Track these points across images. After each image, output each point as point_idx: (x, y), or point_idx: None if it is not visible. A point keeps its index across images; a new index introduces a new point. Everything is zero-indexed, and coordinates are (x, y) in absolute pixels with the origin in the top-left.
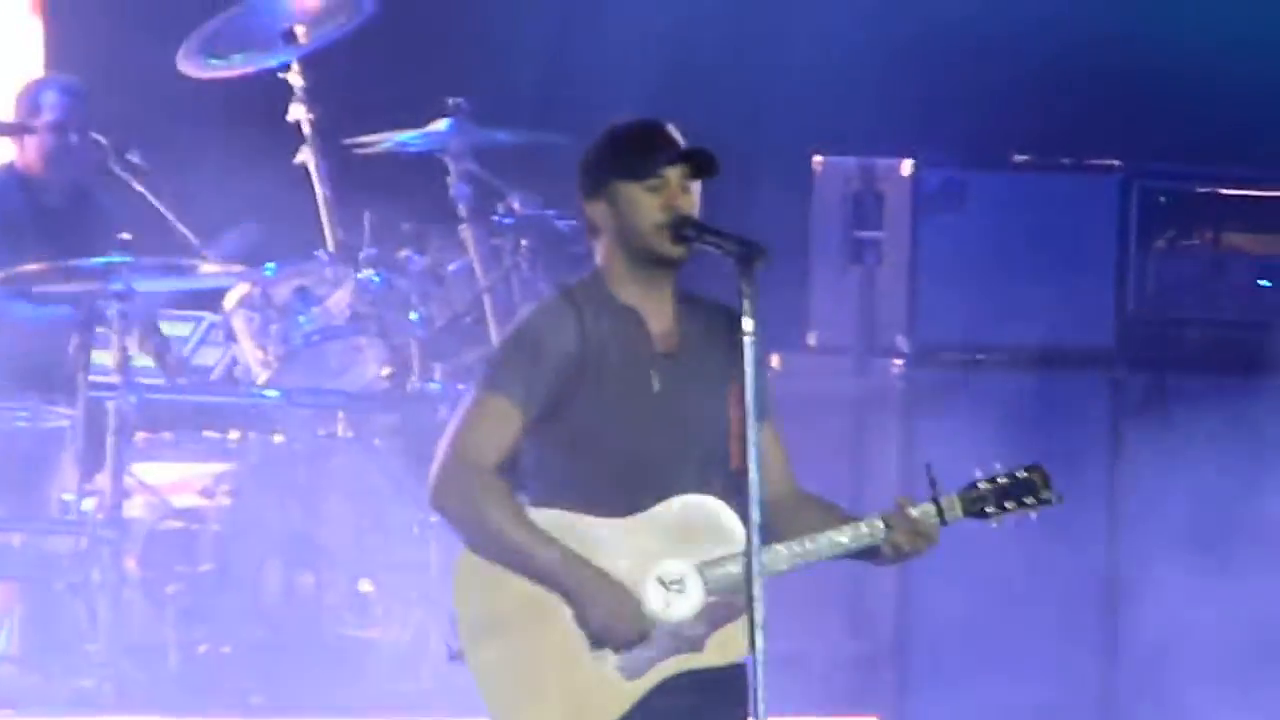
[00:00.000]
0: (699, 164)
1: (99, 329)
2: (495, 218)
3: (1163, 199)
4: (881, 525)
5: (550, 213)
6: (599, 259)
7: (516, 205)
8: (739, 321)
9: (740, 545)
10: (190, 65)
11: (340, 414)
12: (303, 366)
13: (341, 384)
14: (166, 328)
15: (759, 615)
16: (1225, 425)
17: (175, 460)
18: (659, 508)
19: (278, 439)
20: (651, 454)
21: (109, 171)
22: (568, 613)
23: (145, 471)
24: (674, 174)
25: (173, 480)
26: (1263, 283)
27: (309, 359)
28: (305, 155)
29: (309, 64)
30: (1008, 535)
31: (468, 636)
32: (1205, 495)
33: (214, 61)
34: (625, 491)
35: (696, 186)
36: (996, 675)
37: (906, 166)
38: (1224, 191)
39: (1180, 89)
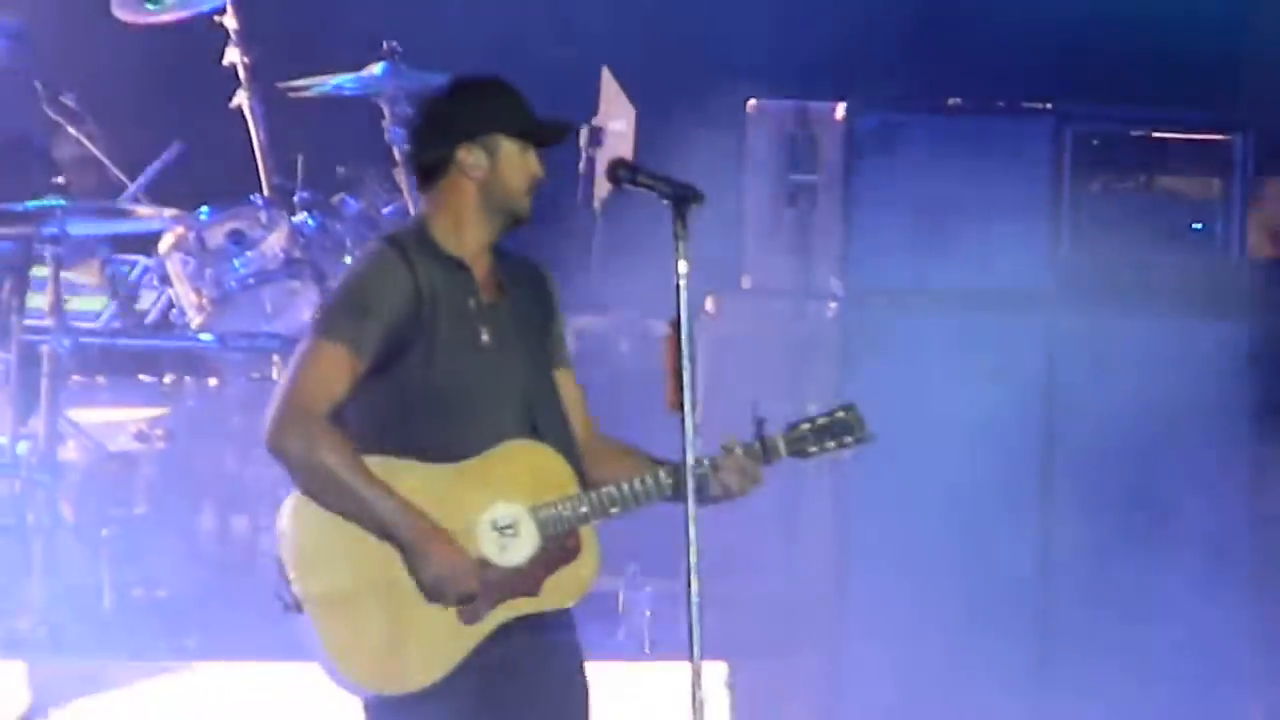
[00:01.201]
0: (561, 136)
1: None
2: None
3: (1096, 142)
4: (709, 466)
5: None
6: (430, 207)
7: None
8: (541, 274)
9: (572, 489)
10: (126, 10)
11: (275, 357)
12: (237, 310)
13: (276, 327)
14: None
15: (693, 558)
16: (1155, 367)
17: (110, 404)
18: (489, 452)
19: (212, 383)
20: (481, 402)
21: (44, 115)
22: (403, 556)
23: (80, 415)
24: (547, 140)
25: (107, 423)
26: (1196, 225)
27: (243, 302)
28: (241, 99)
29: (244, 7)
30: (940, 468)
31: (299, 576)
32: (1137, 436)
33: (150, 6)
34: (456, 439)
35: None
36: (935, 613)
37: (840, 109)
38: (1157, 135)
39: (1113, 31)
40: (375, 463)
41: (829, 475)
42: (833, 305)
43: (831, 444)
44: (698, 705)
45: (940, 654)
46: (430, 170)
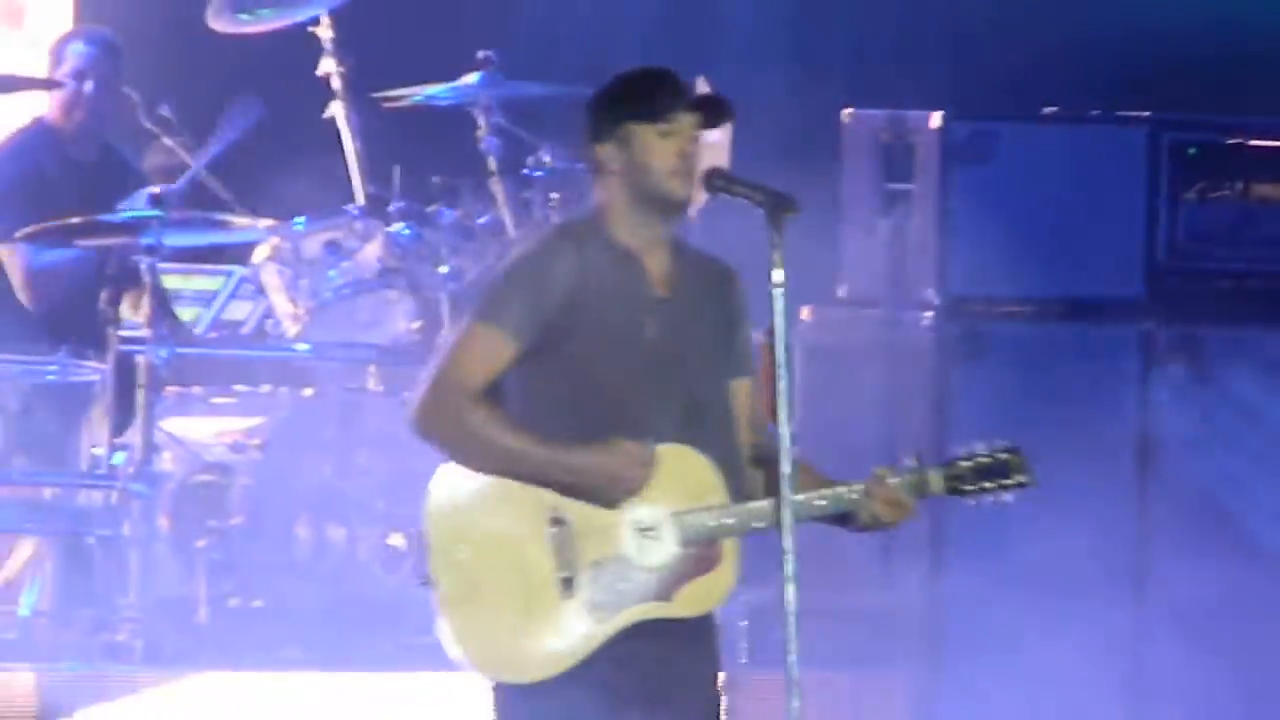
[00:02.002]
0: (714, 111)
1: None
2: (525, 171)
3: (1192, 150)
4: (861, 493)
5: (580, 165)
6: (599, 199)
7: (546, 158)
8: (729, 275)
9: (719, 499)
10: (220, 21)
11: (370, 368)
12: (333, 320)
13: (371, 338)
14: (198, 282)
15: (790, 568)
16: (1256, 377)
17: (206, 414)
18: None
19: (308, 393)
20: (639, 397)
21: (140, 126)
22: (540, 547)
23: (176, 425)
24: (687, 120)
25: (203, 434)
26: None
27: (339, 313)
28: (335, 109)
29: (338, 17)
30: (1038, 491)
31: (438, 564)
32: (1236, 447)
33: (244, 16)
34: (609, 432)
35: (706, 137)
36: (1029, 633)
37: (936, 118)
38: (1253, 142)
39: (1209, 40)
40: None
41: None
42: (928, 315)
43: (990, 485)
44: (792, 714)
45: (1035, 670)
46: (595, 168)
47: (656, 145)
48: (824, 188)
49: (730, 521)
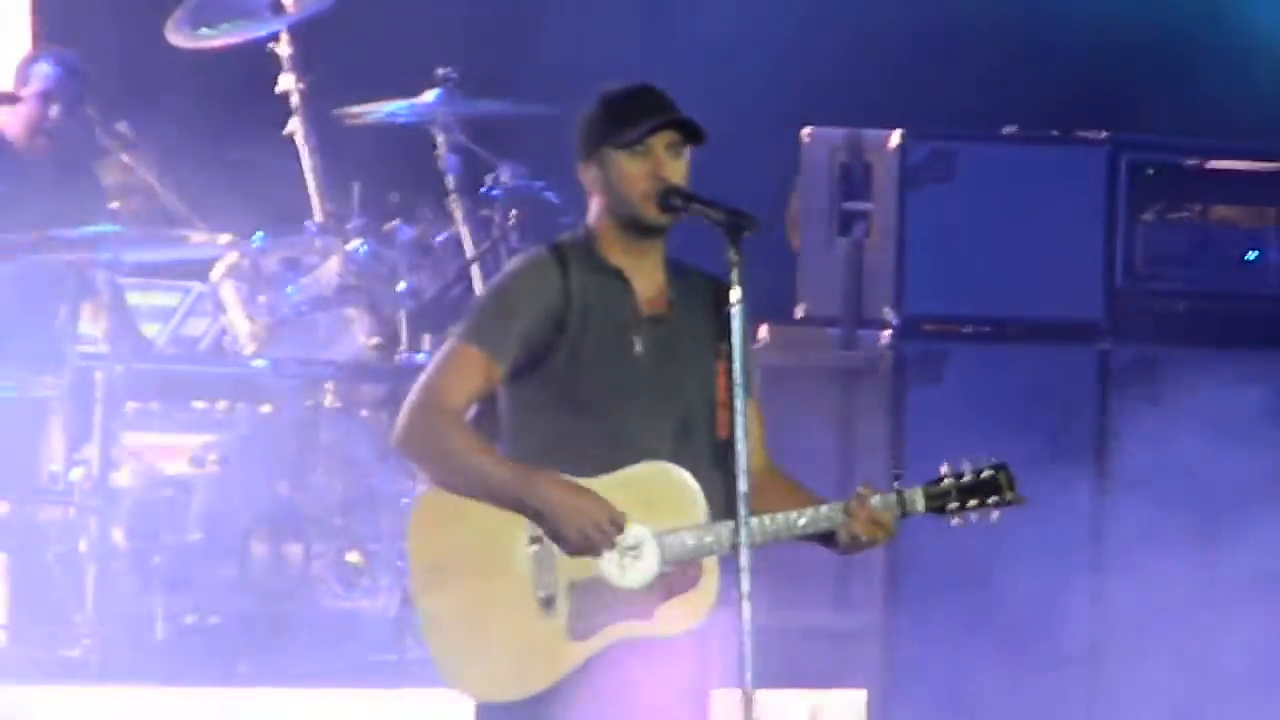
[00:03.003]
0: (683, 131)
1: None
2: (484, 189)
3: (1151, 171)
4: (841, 512)
5: (539, 184)
6: (589, 219)
7: (505, 176)
8: (727, 292)
9: (701, 518)
10: (179, 35)
11: (328, 385)
12: (291, 337)
13: (329, 354)
14: (156, 298)
15: (746, 586)
16: (1213, 398)
17: (163, 430)
18: (625, 471)
19: (266, 409)
20: (628, 417)
21: (98, 142)
22: (520, 566)
23: (133, 441)
24: (659, 141)
25: (161, 450)
26: (1251, 255)
27: (297, 329)
28: (294, 126)
29: (297, 34)
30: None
31: (418, 582)
32: (1193, 468)
33: (203, 31)
34: (599, 452)
35: (686, 154)
36: (983, 646)
37: (894, 138)
38: (1212, 164)
39: (1169, 61)
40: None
41: None
42: (885, 334)
43: (974, 503)
44: None
45: (989, 689)
46: (586, 189)
47: (628, 168)
48: (782, 206)
49: (711, 540)
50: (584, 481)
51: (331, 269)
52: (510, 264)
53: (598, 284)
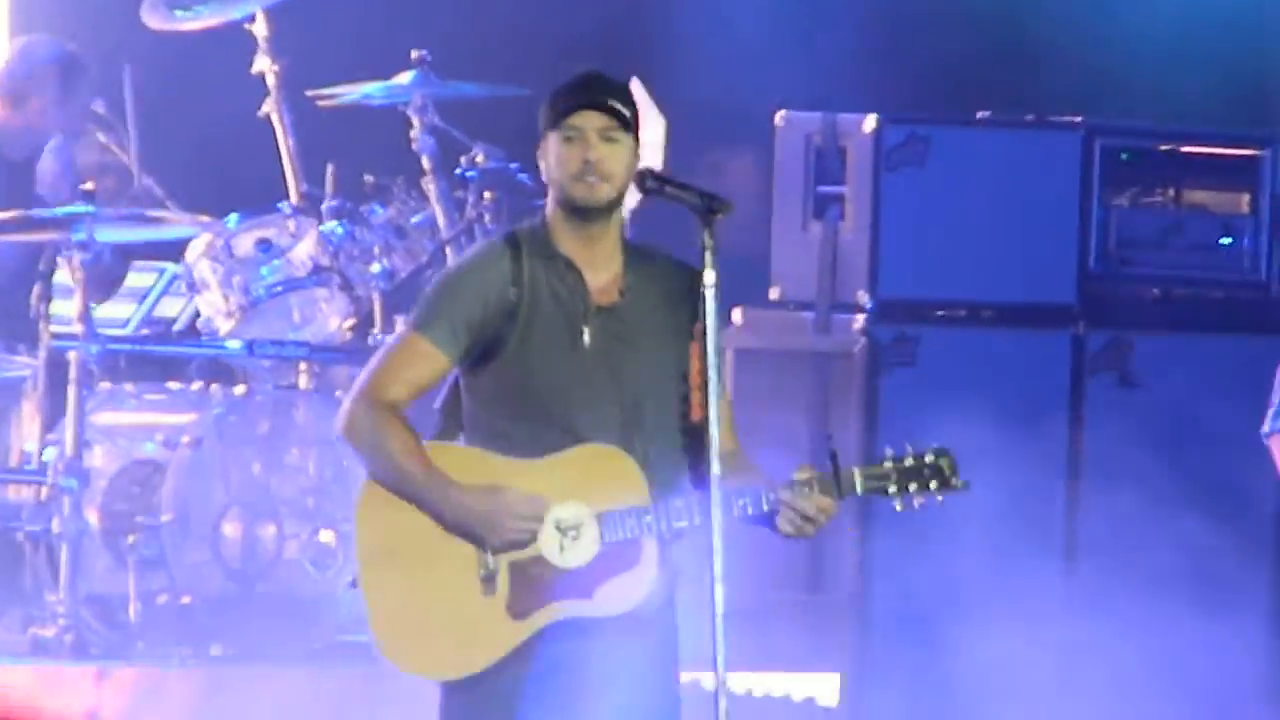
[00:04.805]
0: (605, 112)
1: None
2: (459, 171)
3: (1124, 156)
4: (783, 493)
5: (514, 166)
6: (546, 208)
7: (480, 158)
8: (691, 277)
9: (642, 499)
10: (155, 17)
11: (302, 365)
12: (265, 318)
13: (303, 335)
14: (131, 278)
15: (718, 568)
16: (1186, 382)
17: (137, 410)
18: (566, 452)
19: (239, 390)
20: (573, 404)
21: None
22: (461, 548)
23: (106, 421)
24: (591, 126)
25: (134, 430)
26: (1224, 240)
27: (271, 310)
28: (269, 107)
29: (274, 15)
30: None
31: (363, 563)
32: (1166, 453)
33: (180, 13)
34: (541, 437)
35: (625, 141)
36: (960, 631)
37: (870, 122)
38: (1186, 149)
39: (1143, 46)
40: (448, 450)
41: None
42: (860, 318)
43: (915, 487)
44: (721, 714)
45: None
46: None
47: (561, 151)
48: (757, 189)
49: (651, 520)
50: (525, 464)
51: (306, 250)
52: (465, 253)
53: (549, 273)
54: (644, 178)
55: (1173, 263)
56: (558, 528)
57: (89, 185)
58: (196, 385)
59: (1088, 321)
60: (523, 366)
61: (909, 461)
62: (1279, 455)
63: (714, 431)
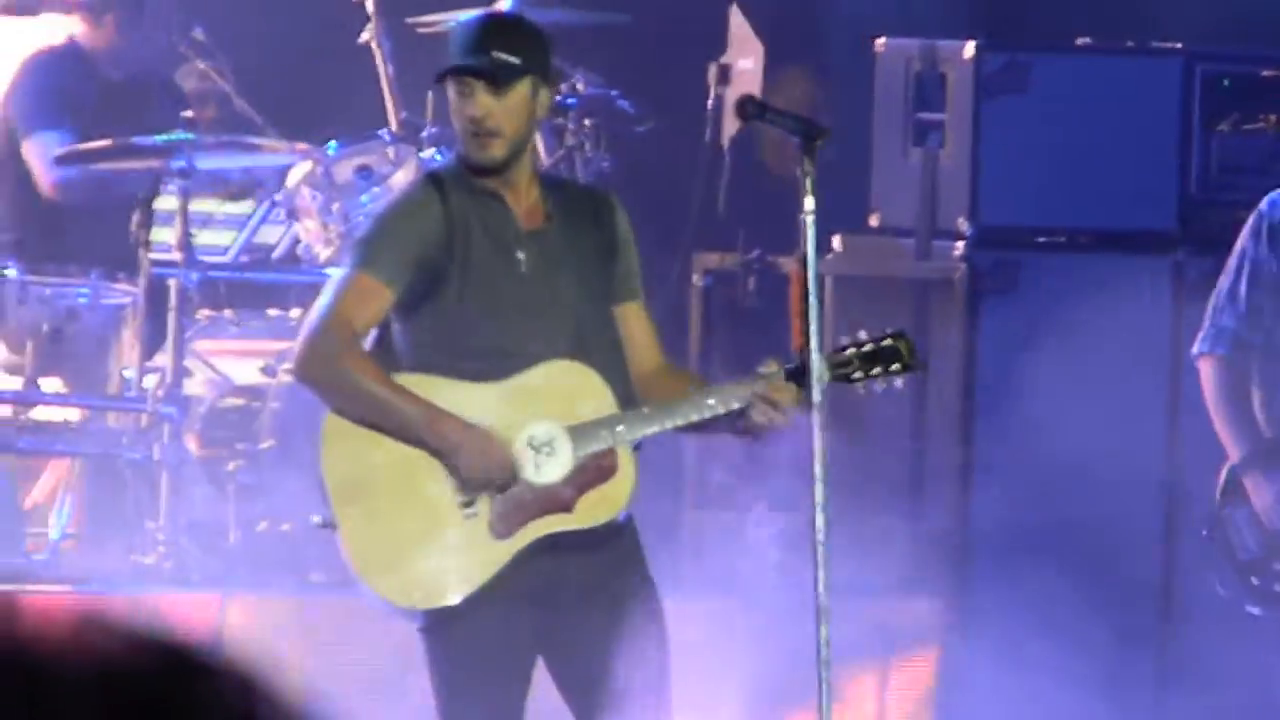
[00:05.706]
0: (479, 76)
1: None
2: (558, 98)
3: (1226, 82)
4: (749, 389)
5: (613, 92)
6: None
7: (579, 85)
8: (607, 203)
9: (610, 408)
10: None
11: None
12: None
13: None
14: (230, 205)
15: (820, 495)
16: None
17: (237, 338)
18: (528, 371)
19: None
20: (520, 326)
21: (172, 48)
22: (438, 472)
23: (207, 349)
24: (474, 82)
25: (234, 357)
26: None
27: None
28: (369, 34)
29: None
30: (1065, 413)
31: (337, 500)
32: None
33: None
34: (494, 363)
35: (516, 87)
36: (1055, 562)
37: (969, 49)
38: None
39: None
40: (412, 380)
41: (955, 414)
42: (960, 244)
43: (877, 370)
44: (822, 642)
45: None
46: None
47: (454, 103)
48: (857, 116)
49: (621, 428)
50: (488, 386)
51: (405, 177)
52: (392, 195)
53: (476, 205)
54: (744, 104)
55: (1274, 188)
56: (531, 445)
57: (188, 113)
58: (296, 312)
59: (1188, 247)
60: (464, 295)
61: (868, 346)
62: (1204, 377)
63: (814, 359)
